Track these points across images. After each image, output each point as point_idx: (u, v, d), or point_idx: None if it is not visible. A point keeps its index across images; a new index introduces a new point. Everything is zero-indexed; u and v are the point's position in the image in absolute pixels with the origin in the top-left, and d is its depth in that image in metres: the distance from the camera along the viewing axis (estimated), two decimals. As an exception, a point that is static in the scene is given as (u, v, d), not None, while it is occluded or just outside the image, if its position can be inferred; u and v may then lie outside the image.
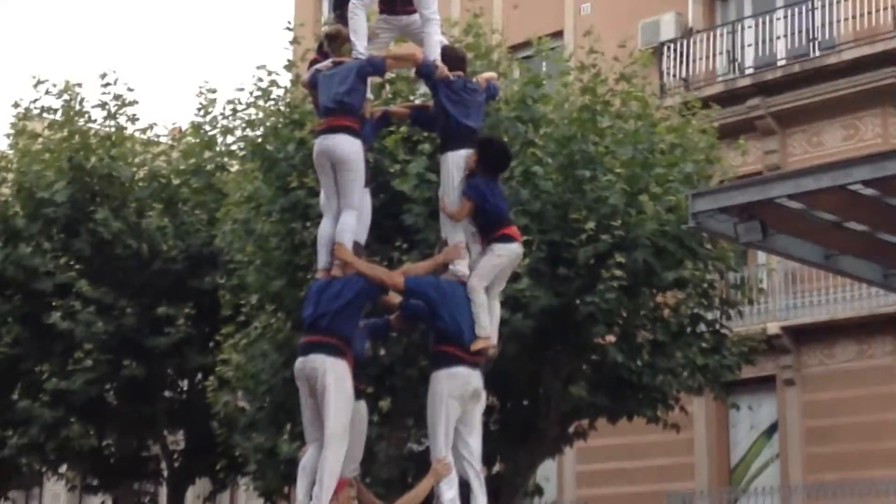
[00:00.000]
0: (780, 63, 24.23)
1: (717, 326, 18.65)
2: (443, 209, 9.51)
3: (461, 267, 9.23)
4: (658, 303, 17.98)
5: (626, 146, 17.16)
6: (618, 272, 16.23)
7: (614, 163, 16.86)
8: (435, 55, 9.71)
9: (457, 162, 9.45)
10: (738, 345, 19.02)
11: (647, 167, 17.10)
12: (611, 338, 17.30)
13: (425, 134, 15.70)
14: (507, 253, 9.44)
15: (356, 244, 9.26)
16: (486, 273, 9.35)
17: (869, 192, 8.60)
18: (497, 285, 9.53)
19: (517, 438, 17.91)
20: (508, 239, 9.39)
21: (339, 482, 8.71)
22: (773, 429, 23.85)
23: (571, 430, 19.03)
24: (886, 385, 22.52)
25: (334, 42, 9.80)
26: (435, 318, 9.12)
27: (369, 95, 9.96)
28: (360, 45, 9.64)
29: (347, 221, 9.24)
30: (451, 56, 9.83)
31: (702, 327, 18.38)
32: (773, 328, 22.82)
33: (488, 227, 9.36)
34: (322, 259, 9.37)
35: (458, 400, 8.99)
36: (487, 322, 9.25)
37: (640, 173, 16.98)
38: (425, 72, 9.70)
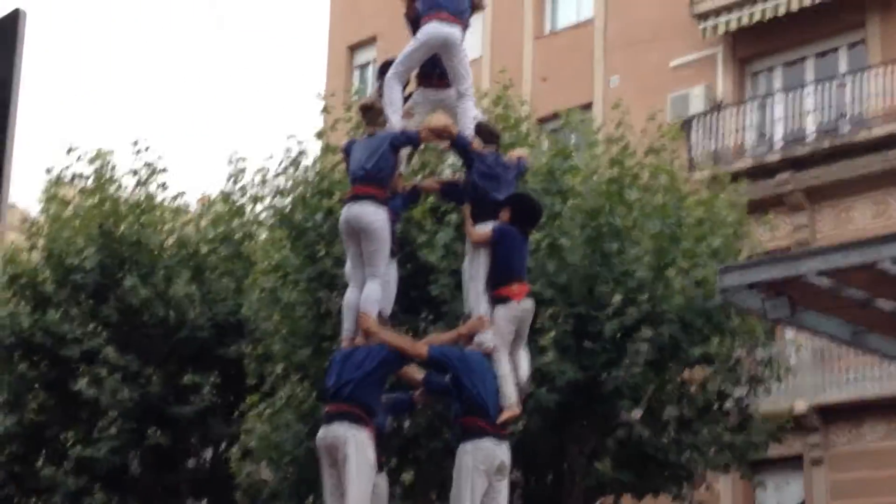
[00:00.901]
0: (809, 138, 24.20)
1: (744, 404, 18.55)
2: (469, 234, 9.64)
3: (486, 338, 9.23)
4: (685, 378, 17.90)
5: (653, 219, 17.17)
6: (644, 346, 16.21)
7: (642, 236, 16.89)
8: (470, 130, 9.78)
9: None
10: (766, 422, 18.89)
11: (675, 241, 17.10)
12: (637, 413, 17.23)
13: (452, 204, 15.76)
14: (520, 314, 9.46)
15: (380, 313, 9.28)
16: (505, 338, 9.36)
17: (900, 270, 8.55)
18: (519, 342, 9.55)
19: (542, 513, 17.80)
20: (515, 297, 9.42)
21: None
22: (801, 508, 23.64)
23: (596, 505, 18.90)
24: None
25: (369, 113, 9.88)
26: (460, 388, 9.11)
27: (401, 169, 10.02)
28: (395, 118, 9.74)
29: (372, 290, 9.27)
30: (486, 131, 9.93)
31: (729, 404, 18.30)
32: (800, 406, 22.68)
33: (500, 279, 9.39)
34: (347, 328, 9.40)
35: (484, 474, 8.97)
36: (512, 392, 9.24)
37: (667, 247, 16.98)
38: (461, 145, 9.78)
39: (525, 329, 9.71)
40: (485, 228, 9.50)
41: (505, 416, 9.19)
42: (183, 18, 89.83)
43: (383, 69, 10.19)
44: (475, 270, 9.48)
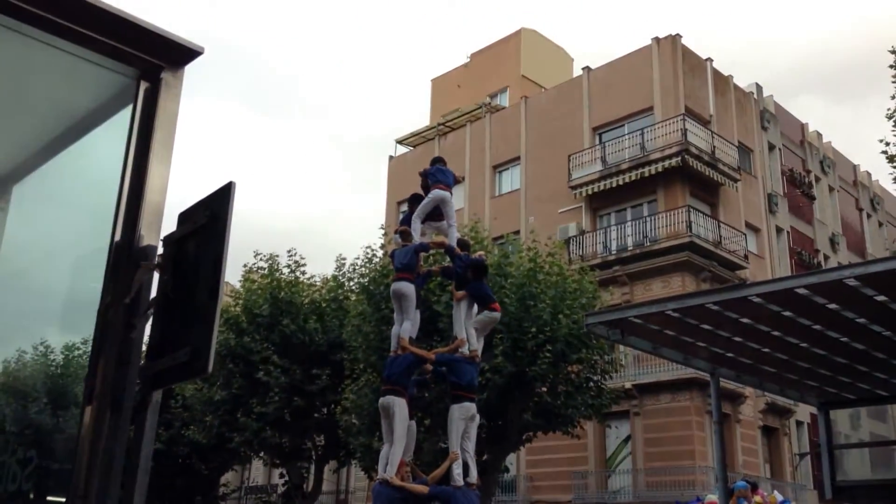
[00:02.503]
0: (629, 248, 24.25)
1: (599, 384, 18.35)
2: (455, 295, 9.41)
3: (464, 350, 9.10)
4: (569, 370, 17.73)
5: (551, 289, 17.11)
6: (548, 354, 16.07)
7: (545, 297, 16.80)
8: (454, 243, 9.72)
9: (467, 302, 9.36)
10: (611, 394, 18.70)
11: (563, 300, 17.02)
12: (544, 389, 17.05)
13: (450, 281, 15.70)
14: (494, 316, 9.30)
15: (410, 338, 9.15)
16: (480, 327, 9.18)
17: (675, 314, 8.43)
18: (482, 333, 9.35)
19: (496, 441, 17.50)
20: (493, 310, 9.26)
21: (400, 462, 8.47)
22: (628, 438, 23.27)
23: (524, 437, 18.63)
24: (686, 417, 22.03)
25: (403, 235, 9.82)
26: (450, 374, 8.96)
27: (422, 263, 9.93)
28: (416, 237, 9.67)
29: (406, 326, 9.13)
30: (461, 243, 9.87)
31: (591, 384, 18.10)
32: (628, 385, 22.51)
33: (482, 303, 9.22)
34: (393, 345, 9.26)
35: (463, 420, 8.80)
36: (477, 346, 9.05)
37: (559, 304, 16.89)
38: (449, 251, 9.72)
39: (490, 327, 9.47)
40: (460, 293, 9.37)
41: (472, 353, 8.99)
42: (327, 193, 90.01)
43: (411, 204, 10.14)
44: (457, 314, 9.36)
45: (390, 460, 8.40)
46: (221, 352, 20.10)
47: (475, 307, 9.26)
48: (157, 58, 3.03)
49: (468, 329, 9.17)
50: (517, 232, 26.30)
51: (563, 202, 26.44)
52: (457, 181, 10.33)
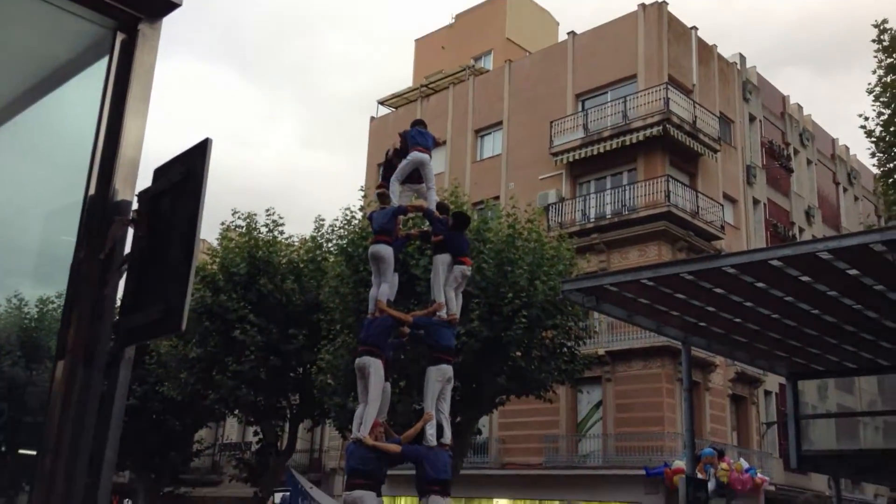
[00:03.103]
0: (607, 216, 24.34)
1: (573, 350, 18.53)
2: (433, 249, 9.47)
3: (442, 314, 9.15)
4: (544, 336, 17.87)
5: (529, 255, 17.16)
6: (524, 320, 16.18)
7: (523, 263, 16.85)
8: (433, 206, 9.70)
9: (442, 259, 9.39)
10: (584, 360, 18.90)
11: (540, 266, 17.09)
12: (519, 353, 17.20)
13: (428, 246, 15.70)
14: (463, 270, 9.34)
15: (388, 300, 9.17)
16: (459, 283, 9.26)
17: (650, 283, 8.52)
18: (460, 289, 9.42)
19: (469, 404, 17.69)
20: (462, 263, 9.28)
21: (374, 423, 8.55)
22: (599, 403, 23.61)
23: (497, 400, 18.85)
24: (656, 385, 22.38)
25: (382, 198, 9.80)
26: (428, 337, 9.02)
27: (400, 226, 9.92)
28: (395, 200, 9.64)
29: (384, 288, 9.16)
30: (440, 206, 9.86)
31: (565, 350, 18.27)
32: (601, 351, 22.76)
33: (455, 254, 9.24)
34: (371, 307, 9.28)
35: (440, 382, 8.88)
36: (455, 308, 9.12)
37: (536, 270, 16.97)
38: (427, 214, 9.70)
39: (464, 282, 9.51)
40: (436, 238, 9.37)
41: (450, 316, 9.05)
42: (290, 146, 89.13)
43: (386, 167, 10.09)
44: (436, 278, 9.37)
45: (364, 420, 8.46)
46: (197, 309, 19.99)
47: (457, 271, 9.27)
48: (134, 8, 2.97)
49: (447, 293, 9.21)
50: (497, 197, 26.26)
51: (544, 169, 26.38)
52: (436, 143, 10.28)
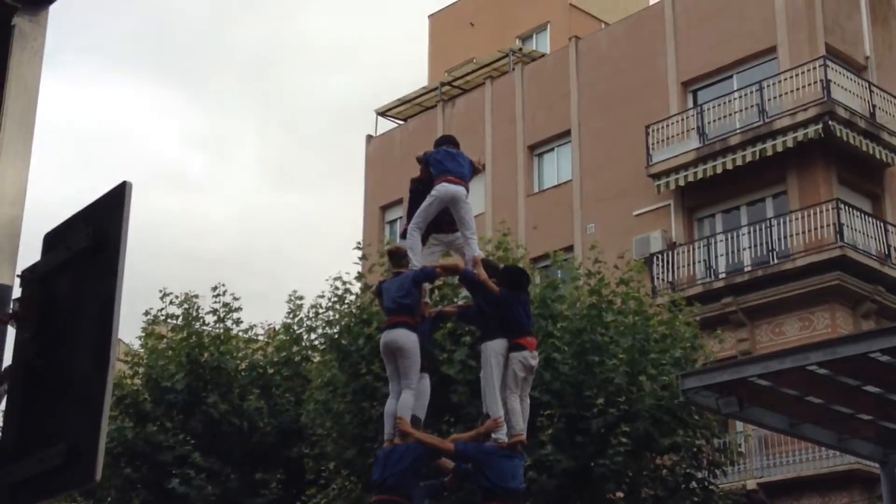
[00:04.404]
0: (746, 269, 24.28)
1: (706, 483, 18.29)
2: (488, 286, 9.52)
3: (501, 435, 9.14)
4: (657, 464, 17.68)
5: (626, 336, 17.18)
6: (624, 440, 16.09)
7: (618, 350, 16.85)
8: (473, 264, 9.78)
9: (494, 349, 9.41)
10: (724, 499, 18.64)
11: (644, 353, 17.08)
12: (620, 494, 17.03)
13: (467, 328, 15.81)
14: (524, 358, 9.34)
15: (414, 417, 9.22)
16: (518, 380, 9.27)
17: (823, 371, 8.51)
18: (526, 387, 9.44)
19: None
20: (522, 346, 9.32)
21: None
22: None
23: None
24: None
25: (395, 257, 9.95)
26: (480, 475, 9.03)
27: (426, 299, 10.03)
28: (416, 259, 9.72)
29: (407, 399, 9.21)
30: (487, 264, 9.94)
31: (694, 484, 18.04)
32: (751, 485, 22.42)
33: (512, 334, 9.29)
34: (387, 430, 9.33)
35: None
36: (521, 424, 9.17)
37: (638, 358, 16.94)
38: (466, 279, 9.79)
39: (531, 378, 9.58)
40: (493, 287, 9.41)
41: (514, 439, 9.09)
42: (248, 186, 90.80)
43: (412, 204, 10.23)
44: (486, 376, 9.33)
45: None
46: (114, 449, 20.11)
47: (515, 362, 9.30)
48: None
49: (507, 400, 9.23)
50: (569, 248, 26.32)
51: (640, 199, 26.50)
52: (476, 170, 10.45)
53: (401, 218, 31.62)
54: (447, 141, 10.42)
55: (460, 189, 9.86)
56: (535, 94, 29.96)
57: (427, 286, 10.10)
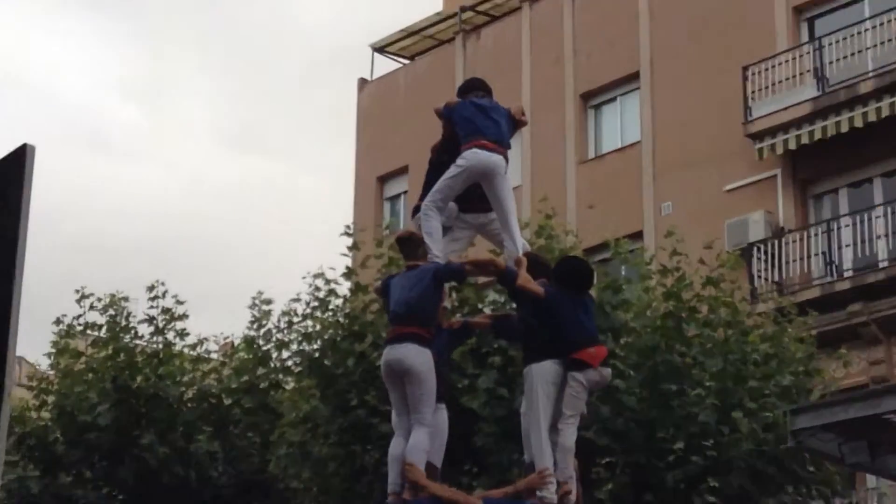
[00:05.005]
0: (881, 265, 24.16)
1: (826, 558, 18.29)
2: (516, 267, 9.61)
3: (549, 494, 9.12)
4: (757, 532, 17.68)
5: (715, 357, 17.09)
6: (711, 498, 16.05)
7: (703, 375, 16.78)
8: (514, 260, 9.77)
9: (542, 375, 9.39)
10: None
11: (740, 380, 17.00)
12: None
13: (495, 345, 15.76)
14: (600, 379, 9.57)
15: (430, 465, 9.22)
16: (578, 408, 9.39)
17: None
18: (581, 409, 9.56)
19: None
20: (587, 364, 9.40)
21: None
22: None
23: None
24: None
25: (408, 245, 9.90)
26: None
27: (445, 303, 10.03)
28: (436, 248, 9.71)
29: (420, 440, 9.20)
30: (533, 260, 9.89)
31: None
32: (887, 558, 22.39)
33: (568, 347, 9.39)
34: (392, 481, 9.33)
35: None
36: (570, 467, 9.30)
37: (732, 387, 16.86)
38: (506, 279, 9.75)
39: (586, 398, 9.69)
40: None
41: (563, 489, 9.15)
42: (197, 148, 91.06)
43: (430, 175, 10.25)
44: (534, 413, 9.34)
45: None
46: (13, 506, 20.32)
47: (575, 385, 9.31)
48: None
49: (563, 444, 9.26)
50: (637, 235, 26.32)
51: (736, 169, 26.53)
52: (518, 124, 10.47)
53: (405, 193, 31.71)
54: (476, 86, 10.48)
55: (498, 160, 9.88)
56: (590, 22, 29.98)
57: (448, 289, 10.13)
